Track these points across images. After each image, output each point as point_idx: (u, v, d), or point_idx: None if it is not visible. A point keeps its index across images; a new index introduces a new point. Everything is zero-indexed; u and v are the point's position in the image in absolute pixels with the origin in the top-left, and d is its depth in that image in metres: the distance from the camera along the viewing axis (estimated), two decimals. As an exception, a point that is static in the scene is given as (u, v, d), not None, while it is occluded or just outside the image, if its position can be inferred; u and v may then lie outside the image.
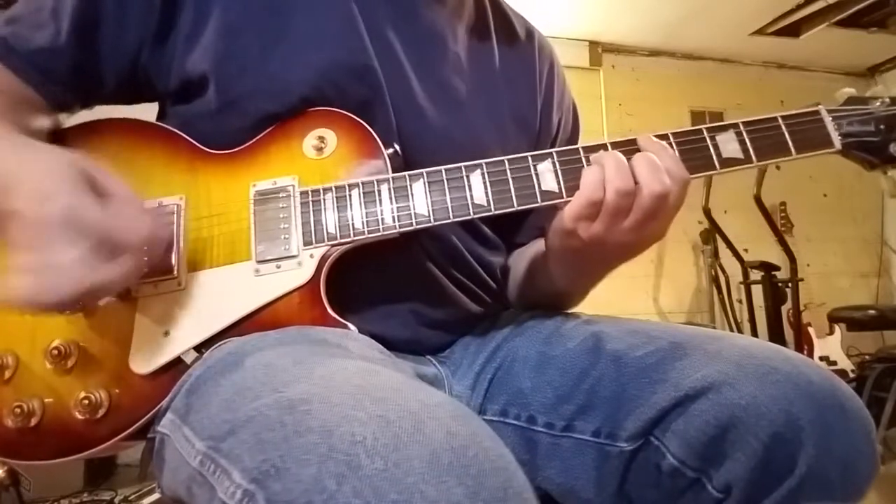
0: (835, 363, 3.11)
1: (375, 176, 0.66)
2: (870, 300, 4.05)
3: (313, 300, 0.63)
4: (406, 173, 0.66)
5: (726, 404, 0.56)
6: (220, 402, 0.49)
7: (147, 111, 0.76)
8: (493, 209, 0.65)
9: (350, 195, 0.65)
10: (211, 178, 0.68)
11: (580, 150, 0.66)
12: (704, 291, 3.75)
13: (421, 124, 0.73)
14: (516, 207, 0.65)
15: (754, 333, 3.36)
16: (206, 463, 0.46)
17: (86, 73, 0.71)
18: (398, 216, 0.64)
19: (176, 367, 0.61)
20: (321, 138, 0.68)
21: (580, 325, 0.72)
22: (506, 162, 0.66)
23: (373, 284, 0.69)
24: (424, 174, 0.66)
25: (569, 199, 0.64)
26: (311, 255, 0.64)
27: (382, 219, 0.64)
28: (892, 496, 2.02)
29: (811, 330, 3.22)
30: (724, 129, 0.68)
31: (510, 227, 0.84)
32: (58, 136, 0.70)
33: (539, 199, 0.65)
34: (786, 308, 3.17)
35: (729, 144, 0.68)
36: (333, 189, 0.66)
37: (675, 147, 0.66)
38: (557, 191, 0.65)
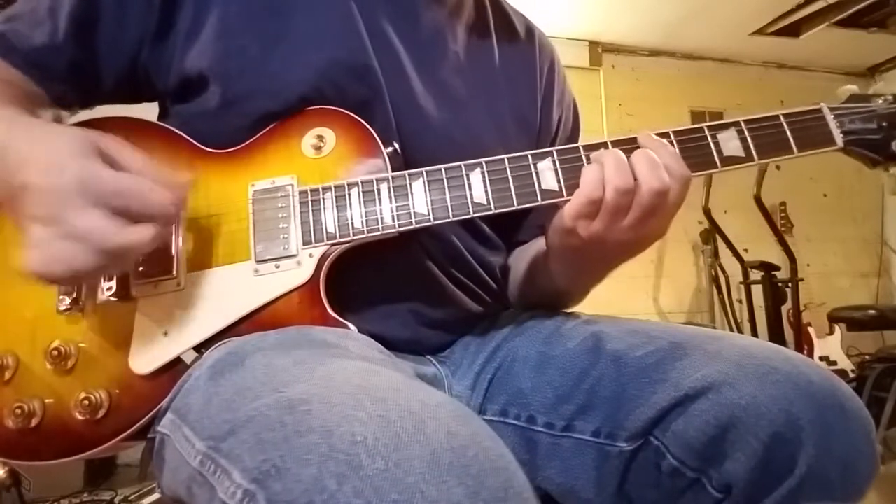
0: (835, 363, 3.11)
1: (375, 175, 0.66)
2: (870, 300, 4.05)
3: (313, 300, 0.63)
4: (405, 172, 0.66)
5: (726, 404, 0.56)
6: (220, 402, 0.49)
7: (148, 111, 0.76)
8: (492, 208, 0.65)
9: (349, 194, 0.65)
10: (210, 178, 0.68)
11: (580, 148, 0.66)
12: (704, 291, 3.75)
13: (421, 124, 0.73)
14: (516, 206, 0.65)
15: (754, 333, 3.36)
16: (207, 463, 0.46)
17: (85, 71, 0.71)
18: (398, 215, 0.64)
19: (176, 367, 0.61)
20: (320, 137, 0.68)
21: (580, 325, 0.72)
22: (506, 160, 0.66)
23: (372, 284, 0.69)
24: (424, 173, 0.65)
25: (569, 197, 0.64)
26: (311, 255, 0.64)
27: (382, 218, 0.64)
28: (892, 496, 2.02)
29: (811, 330, 3.22)
30: (726, 127, 0.68)
31: (510, 226, 0.84)
32: None
33: (539, 198, 0.65)
34: (786, 308, 3.17)
35: (730, 142, 0.67)
36: (333, 188, 0.65)
37: (675, 145, 0.66)
38: (558, 189, 0.65)
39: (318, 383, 0.44)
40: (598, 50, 3.79)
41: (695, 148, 0.67)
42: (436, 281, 0.73)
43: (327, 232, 0.64)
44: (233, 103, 0.69)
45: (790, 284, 3.12)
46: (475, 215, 0.65)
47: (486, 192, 0.65)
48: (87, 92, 0.73)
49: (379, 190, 0.65)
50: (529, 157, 0.66)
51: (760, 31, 3.66)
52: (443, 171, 0.65)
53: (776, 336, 3.06)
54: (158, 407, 0.60)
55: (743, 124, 0.68)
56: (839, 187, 4.04)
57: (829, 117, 0.69)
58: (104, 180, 0.55)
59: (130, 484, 2.20)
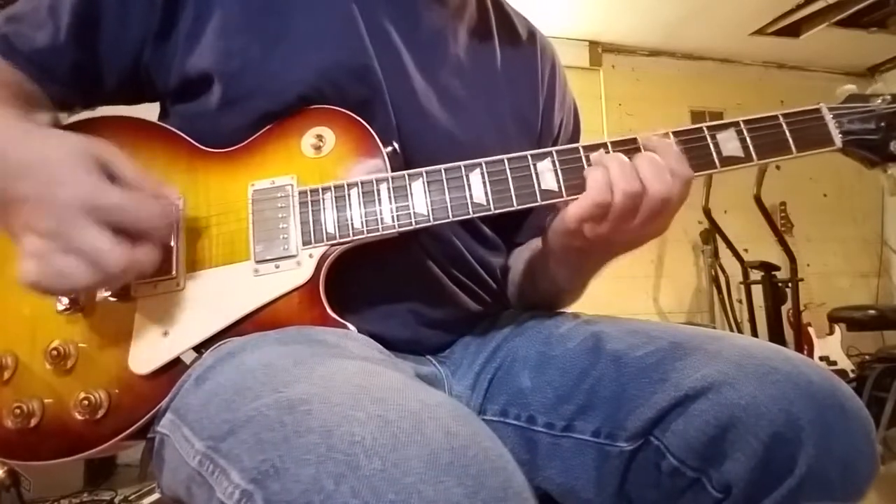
0: (835, 363, 3.10)
1: (374, 175, 0.66)
2: (870, 300, 4.05)
3: (313, 300, 0.63)
4: (405, 172, 0.66)
5: (726, 404, 0.56)
6: (219, 402, 0.49)
7: (148, 111, 0.76)
8: (492, 208, 0.65)
9: (349, 194, 0.65)
10: (209, 178, 0.68)
11: (580, 148, 0.66)
12: (704, 291, 3.75)
13: (422, 124, 0.73)
14: (516, 207, 0.65)
15: (754, 333, 3.36)
16: (206, 463, 0.46)
17: (87, 71, 0.71)
18: (397, 216, 0.64)
19: (175, 367, 0.61)
20: (319, 137, 0.68)
21: (580, 325, 0.72)
22: (505, 161, 0.66)
23: (372, 284, 0.69)
24: (423, 173, 0.65)
25: (568, 198, 0.64)
26: (311, 255, 0.64)
27: (382, 218, 0.64)
28: (892, 496, 2.02)
29: (811, 330, 3.22)
30: (725, 127, 0.68)
31: (510, 227, 0.84)
32: None
33: (539, 199, 0.65)
34: (786, 308, 3.17)
35: (729, 143, 0.67)
36: (332, 188, 0.65)
37: (675, 145, 0.66)
38: (557, 190, 0.65)
39: (317, 383, 0.44)
40: (598, 50, 3.79)
41: (694, 148, 0.67)
42: (436, 281, 0.73)
43: (327, 232, 0.64)
44: (233, 103, 0.69)
45: (790, 284, 3.12)
46: (475, 216, 0.65)
47: (486, 192, 0.65)
48: (88, 92, 0.73)
49: (378, 190, 0.65)
50: (529, 157, 0.66)
51: (760, 31, 3.66)
52: (442, 171, 0.65)
53: (776, 336, 3.06)
54: (158, 407, 0.60)
55: (742, 124, 0.68)
56: (839, 187, 4.04)
57: (828, 117, 0.69)
58: (107, 198, 0.55)
59: (130, 484, 2.20)
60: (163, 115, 0.77)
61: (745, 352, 0.59)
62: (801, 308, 3.13)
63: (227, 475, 0.42)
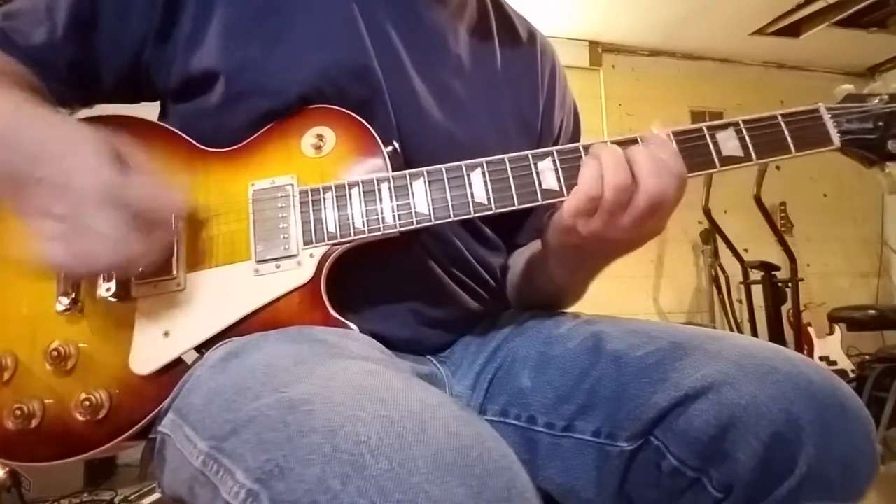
0: (835, 363, 3.10)
1: (375, 174, 0.66)
2: (870, 300, 4.05)
3: (314, 300, 0.63)
4: (406, 172, 0.66)
5: (726, 404, 0.56)
6: (221, 402, 0.49)
7: (148, 111, 0.76)
8: (493, 208, 0.65)
9: (350, 194, 0.65)
10: (209, 178, 0.68)
11: (581, 148, 0.66)
12: (704, 291, 3.74)
13: (422, 124, 0.73)
14: (517, 206, 0.65)
15: (754, 333, 3.36)
16: (209, 463, 0.46)
17: (84, 69, 0.71)
18: (399, 215, 0.64)
19: (176, 367, 0.61)
20: (320, 136, 0.68)
21: (580, 325, 0.72)
22: (506, 160, 0.66)
23: (373, 284, 0.69)
24: (425, 172, 0.65)
25: (569, 197, 0.64)
26: (312, 255, 0.64)
27: (383, 217, 0.64)
28: (892, 496, 2.02)
29: (811, 330, 3.22)
30: (724, 126, 0.68)
31: (510, 228, 0.84)
32: None
33: (540, 198, 0.65)
34: (786, 308, 3.17)
35: (729, 142, 0.67)
36: (333, 188, 0.65)
37: (674, 144, 0.66)
38: (558, 189, 0.65)
39: (319, 383, 0.44)
40: (598, 50, 3.79)
41: (694, 148, 0.67)
42: (436, 280, 0.73)
43: (328, 232, 0.64)
44: (233, 102, 0.69)
45: (790, 284, 3.12)
46: (476, 215, 0.65)
47: (487, 191, 0.65)
48: (86, 91, 0.73)
49: (380, 189, 0.65)
50: (530, 156, 0.66)
51: (760, 31, 3.66)
52: (443, 170, 0.65)
53: (776, 336, 3.06)
54: (159, 407, 0.60)
55: (742, 124, 0.68)
56: (839, 187, 4.04)
57: (827, 117, 0.70)
58: (125, 186, 0.56)
59: (130, 484, 2.20)
60: (162, 115, 0.77)
61: (745, 352, 0.59)
62: (801, 308, 3.13)
63: (231, 475, 0.43)
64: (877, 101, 0.71)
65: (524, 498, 0.38)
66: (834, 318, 3.19)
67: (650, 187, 0.61)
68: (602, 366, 0.64)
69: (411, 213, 0.64)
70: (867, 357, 3.12)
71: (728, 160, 0.67)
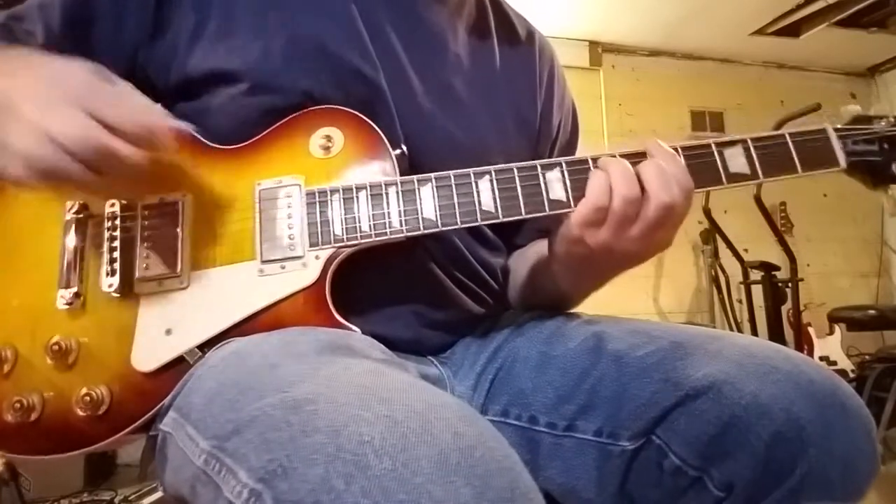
0: (835, 363, 3.10)
1: (383, 178, 0.66)
2: (870, 300, 4.05)
3: (318, 302, 0.63)
4: (414, 177, 0.65)
5: (727, 403, 0.56)
6: (223, 401, 0.49)
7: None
8: (500, 216, 0.65)
9: (357, 196, 0.65)
10: (214, 175, 0.67)
11: (589, 159, 0.66)
12: (704, 291, 3.75)
13: (423, 125, 0.73)
14: (524, 215, 0.65)
15: (754, 333, 3.36)
16: (211, 462, 0.46)
17: None
18: (405, 220, 0.64)
19: (178, 365, 0.61)
20: (328, 137, 0.67)
21: (581, 325, 0.72)
22: (514, 169, 0.66)
23: (376, 286, 0.69)
24: (433, 178, 0.65)
25: (577, 207, 0.64)
26: (317, 257, 0.64)
27: (390, 222, 0.64)
28: (892, 496, 2.02)
29: (811, 330, 3.22)
30: (733, 143, 0.68)
31: (510, 230, 0.84)
32: None
33: (547, 208, 0.65)
34: (786, 308, 3.17)
35: (736, 159, 0.68)
36: (340, 190, 0.65)
37: (682, 160, 0.66)
38: (565, 200, 0.65)
39: (322, 383, 0.44)
40: (598, 50, 3.79)
41: (702, 164, 0.67)
42: (438, 282, 0.73)
43: (334, 234, 0.64)
44: (235, 100, 0.69)
45: (790, 284, 3.11)
46: (483, 223, 0.65)
47: (495, 199, 0.65)
48: None
49: (387, 193, 0.65)
50: (538, 166, 0.66)
51: (760, 31, 3.66)
52: (452, 177, 0.65)
53: (776, 336, 3.06)
54: (160, 405, 0.60)
55: (750, 142, 0.68)
56: (839, 187, 4.02)
57: (834, 138, 0.70)
58: (106, 92, 0.57)
59: (130, 484, 2.20)
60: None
61: (745, 351, 0.59)
62: (801, 308, 3.13)
63: (234, 474, 0.43)
64: (883, 123, 0.71)
65: (527, 498, 0.38)
66: (834, 318, 3.20)
67: (660, 198, 0.61)
68: (603, 365, 0.65)
69: (418, 218, 0.64)
70: (867, 357, 3.12)
71: (735, 177, 0.68)
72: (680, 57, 3.98)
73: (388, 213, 0.64)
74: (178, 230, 0.64)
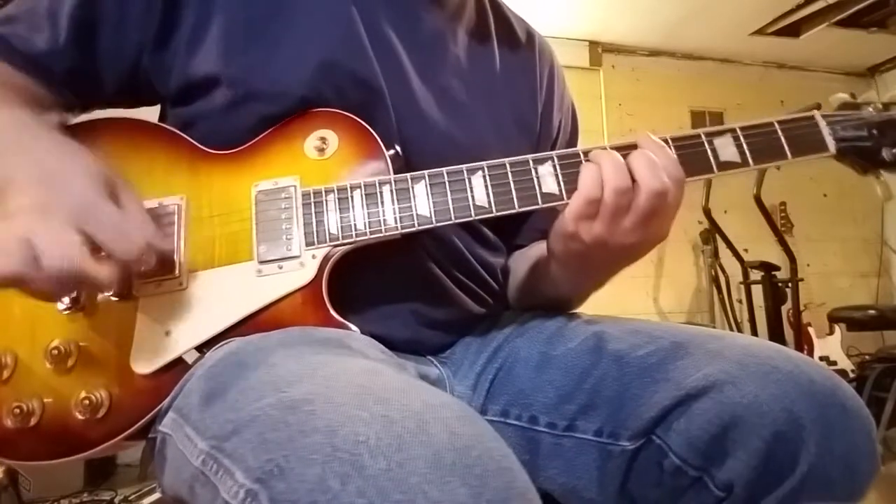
0: (835, 363, 3.11)
1: (377, 177, 0.66)
2: (870, 300, 4.06)
3: (315, 301, 0.63)
4: (408, 175, 0.66)
5: (728, 403, 0.56)
6: (222, 401, 0.49)
7: (149, 114, 0.76)
8: (494, 210, 0.65)
9: (352, 196, 0.65)
10: (212, 179, 0.68)
11: (580, 152, 0.67)
12: (704, 291, 3.75)
13: (422, 127, 0.73)
14: (517, 209, 0.65)
15: (754, 333, 3.36)
16: (209, 462, 0.46)
17: (85, 75, 0.71)
18: (400, 217, 0.65)
19: (177, 366, 0.61)
20: (323, 139, 0.68)
21: (581, 324, 0.72)
22: (507, 164, 0.66)
23: (374, 285, 0.69)
24: (426, 175, 0.66)
25: (569, 201, 0.64)
26: (314, 256, 0.64)
27: (384, 220, 0.65)
28: (892, 496, 2.02)
29: (811, 330, 3.22)
30: (722, 133, 0.69)
31: (510, 230, 0.84)
32: None
33: (540, 201, 0.66)
34: (786, 308, 3.17)
35: (726, 148, 0.69)
36: (335, 190, 0.66)
37: (673, 150, 0.66)
38: (558, 193, 0.66)
39: (321, 383, 0.44)
40: (598, 50, 3.80)
41: (692, 154, 0.68)
42: (437, 282, 0.73)
43: (330, 233, 0.64)
44: (234, 106, 0.69)
45: (790, 284, 3.12)
46: (477, 218, 0.65)
47: (488, 194, 0.65)
48: (87, 96, 0.73)
49: (381, 192, 0.65)
50: (530, 161, 0.67)
51: (760, 31, 3.67)
52: (445, 174, 0.66)
53: (776, 336, 3.06)
54: (160, 406, 0.60)
55: (739, 130, 0.69)
56: (839, 187, 4.04)
57: (822, 124, 0.71)
58: (100, 211, 0.55)
59: (130, 484, 2.20)
60: (162, 118, 0.77)
61: (746, 351, 0.59)
62: (801, 308, 3.13)
63: (231, 475, 0.42)
64: (871, 109, 0.72)
65: (524, 498, 0.38)
66: (834, 318, 3.20)
67: (650, 187, 0.61)
68: (604, 365, 0.65)
69: (412, 215, 0.65)
70: (867, 357, 3.13)
71: (725, 165, 0.68)
72: (680, 57, 3.98)
73: (383, 210, 0.65)
74: (177, 233, 0.64)
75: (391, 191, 0.65)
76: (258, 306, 0.63)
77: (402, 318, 0.71)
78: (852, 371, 3.05)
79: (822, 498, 0.54)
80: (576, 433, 0.64)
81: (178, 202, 0.66)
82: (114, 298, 0.63)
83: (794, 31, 3.65)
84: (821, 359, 3.11)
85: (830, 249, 4.03)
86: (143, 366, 0.61)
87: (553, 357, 0.69)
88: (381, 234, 0.64)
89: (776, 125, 0.70)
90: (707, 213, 3.28)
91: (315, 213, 0.65)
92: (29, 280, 0.53)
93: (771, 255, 3.29)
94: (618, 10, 3.42)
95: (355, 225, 0.64)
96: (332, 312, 0.63)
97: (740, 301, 3.61)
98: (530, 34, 0.92)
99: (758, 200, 2.96)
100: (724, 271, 3.61)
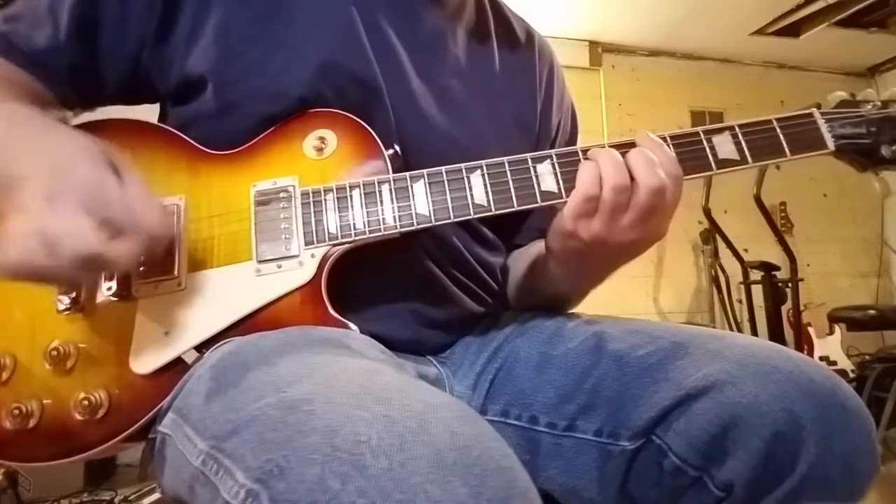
0: (835, 363, 3.11)
1: (376, 176, 0.66)
2: (870, 300, 4.05)
3: (314, 300, 0.63)
4: (407, 174, 0.66)
5: (728, 403, 0.56)
6: (221, 401, 0.49)
7: (149, 113, 0.76)
8: (493, 209, 0.65)
9: (351, 195, 0.65)
10: (211, 179, 0.68)
11: (579, 151, 0.67)
12: (704, 291, 3.75)
13: (421, 127, 0.73)
14: (516, 207, 0.65)
15: (754, 333, 3.36)
16: (209, 463, 0.46)
17: (86, 72, 0.71)
18: (399, 216, 0.65)
19: (177, 367, 0.61)
20: (321, 139, 0.68)
21: (581, 324, 0.72)
22: (506, 163, 0.66)
23: (373, 284, 0.69)
24: (425, 174, 0.66)
25: (568, 199, 0.64)
26: (313, 255, 0.64)
27: (383, 219, 0.64)
28: (891, 496, 2.02)
29: (811, 330, 3.22)
30: (720, 131, 0.69)
31: (509, 229, 0.84)
32: None
33: (539, 200, 0.66)
34: (786, 308, 3.17)
35: (725, 146, 0.69)
36: (334, 189, 0.66)
37: (672, 148, 0.67)
38: (557, 191, 0.66)
39: (320, 383, 0.44)
40: (598, 50, 3.80)
41: (691, 151, 0.68)
42: (436, 281, 0.73)
43: (329, 232, 0.64)
44: (233, 105, 0.69)
45: (790, 284, 3.12)
46: (476, 216, 0.65)
47: (487, 193, 0.65)
48: (88, 93, 0.73)
49: (380, 191, 0.65)
50: (529, 159, 0.67)
51: (760, 31, 3.67)
52: (444, 172, 0.66)
53: (776, 336, 3.06)
54: (159, 407, 0.60)
55: (737, 128, 0.69)
56: (839, 187, 4.04)
57: (821, 122, 0.71)
58: (108, 191, 0.55)
59: (130, 484, 2.20)
60: (162, 117, 0.77)
61: (746, 351, 0.59)
62: (801, 308, 3.13)
63: (231, 475, 0.42)
64: (870, 106, 0.72)
65: (525, 498, 0.38)
66: (834, 318, 3.20)
67: (648, 183, 0.61)
68: (604, 365, 0.65)
69: (412, 214, 0.65)
70: (867, 357, 3.12)
71: (724, 163, 0.68)
72: (680, 57, 3.98)
73: (382, 209, 0.65)
74: (176, 233, 0.64)
75: (390, 190, 0.65)
76: (257, 306, 0.63)
77: (402, 318, 0.71)
78: (852, 371, 3.05)
79: (822, 498, 0.54)
80: (576, 433, 0.64)
81: (177, 202, 0.66)
82: (113, 299, 0.63)
83: (794, 31, 3.65)
84: (821, 359, 3.11)
85: (830, 249, 4.03)
86: (142, 366, 0.61)
87: (553, 357, 0.69)
88: (380, 234, 0.64)
89: (775, 123, 0.70)
90: (707, 212, 3.28)
91: (314, 212, 0.65)
92: (51, 271, 0.53)
93: (771, 255, 3.29)
94: (618, 10, 3.42)
95: (354, 224, 0.64)
96: (332, 311, 0.63)
97: (740, 301, 3.61)
98: (530, 34, 0.91)
99: (758, 200, 2.96)
100: (724, 271, 3.61)
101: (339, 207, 0.65)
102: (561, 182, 0.66)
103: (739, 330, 3.52)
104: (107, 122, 0.72)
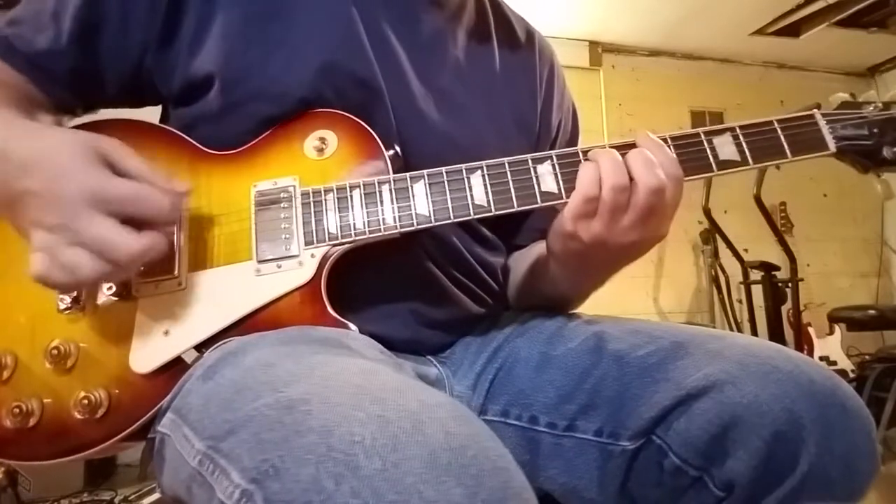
0: (835, 363, 3.11)
1: (376, 177, 0.66)
2: (870, 300, 4.05)
3: (314, 300, 0.63)
4: (407, 174, 0.66)
5: (728, 403, 0.56)
6: (220, 401, 0.49)
7: (151, 115, 0.76)
8: (493, 209, 0.65)
9: (351, 195, 0.65)
10: (212, 179, 0.68)
11: (580, 152, 0.67)
12: (704, 291, 3.75)
13: (422, 127, 0.73)
14: (516, 208, 0.65)
15: (754, 333, 3.36)
16: (206, 463, 0.46)
17: (88, 75, 0.71)
18: (399, 216, 0.64)
19: (176, 366, 0.61)
20: (322, 139, 0.68)
21: (582, 324, 0.72)
22: (506, 163, 0.66)
23: (373, 285, 0.69)
24: (425, 175, 0.66)
25: (568, 200, 0.64)
26: (312, 255, 0.64)
27: (383, 219, 0.64)
28: (891, 496, 2.02)
29: (811, 330, 3.22)
30: (721, 132, 0.69)
31: (509, 230, 0.84)
32: None
33: (539, 200, 0.66)
34: (786, 308, 3.17)
35: (726, 147, 0.69)
36: (335, 189, 0.66)
37: (673, 149, 0.66)
38: (557, 192, 0.66)
39: (318, 383, 0.44)
40: (598, 50, 3.80)
41: (692, 152, 0.68)
42: (436, 281, 0.73)
43: (329, 232, 0.64)
44: (235, 107, 0.69)
45: (790, 284, 3.11)
46: (476, 217, 0.65)
47: (487, 193, 0.65)
48: (89, 96, 0.73)
49: (380, 191, 0.65)
50: (529, 160, 0.67)
51: (760, 31, 3.67)
52: (444, 173, 0.66)
53: (776, 336, 3.06)
54: (158, 406, 0.60)
55: (738, 129, 0.69)
56: (839, 187, 4.04)
57: (822, 123, 0.71)
58: (111, 188, 0.56)
59: (130, 484, 2.20)
60: (164, 119, 0.77)
61: (746, 351, 0.59)
62: (801, 308, 3.13)
63: (227, 475, 0.42)
64: (871, 108, 0.72)
65: (521, 498, 0.38)
66: (834, 318, 3.20)
67: (647, 184, 0.61)
68: (604, 365, 0.65)
69: (412, 214, 0.65)
70: (867, 357, 3.13)
71: (725, 164, 0.68)
72: (680, 57, 3.98)
73: (382, 210, 0.65)
74: (176, 233, 0.64)
75: (390, 190, 0.65)
76: (257, 305, 0.63)
77: (402, 318, 0.71)
78: (852, 371, 3.05)
79: (822, 498, 0.54)
80: (576, 433, 0.64)
81: (181, 191, 0.66)
82: (113, 298, 0.63)
83: (794, 31, 3.65)
84: (821, 359, 3.11)
85: (830, 249, 4.03)
86: (142, 365, 0.61)
87: (553, 357, 0.69)
88: (380, 234, 0.64)
89: (776, 124, 0.70)
90: (707, 213, 3.28)
91: (314, 212, 0.65)
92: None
93: (771, 255, 3.29)
94: (618, 10, 3.42)
95: (354, 224, 0.64)
96: (331, 311, 0.63)
97: (740, 301, 3.61)
98: (530, 34, 0.91)
99: (758, 200, 2.96)
100: (724, 271, 3.61)
101: (339, 208, 0.65)
102: (561, 183, 0.66)
103: (739, 330, 3.52)
104: (107, 121, 0.72)
